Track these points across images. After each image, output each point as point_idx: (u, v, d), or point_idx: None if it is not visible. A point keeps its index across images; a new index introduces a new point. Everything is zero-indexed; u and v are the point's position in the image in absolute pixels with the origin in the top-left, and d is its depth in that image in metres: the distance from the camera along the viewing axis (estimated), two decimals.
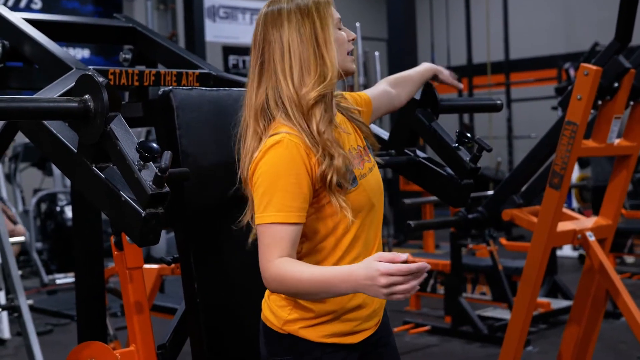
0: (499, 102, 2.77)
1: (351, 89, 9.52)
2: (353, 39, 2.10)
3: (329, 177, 1.93)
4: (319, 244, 2.01)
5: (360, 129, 2.17)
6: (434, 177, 2.50)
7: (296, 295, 1.93)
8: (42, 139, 2.08)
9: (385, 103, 2.41)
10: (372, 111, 2.34)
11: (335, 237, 2.00)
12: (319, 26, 2.00)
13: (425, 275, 1.79)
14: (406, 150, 2.56)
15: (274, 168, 1.90)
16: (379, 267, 1.76)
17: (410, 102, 2.48)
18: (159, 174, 1.77)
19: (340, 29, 2.08)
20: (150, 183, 1.78)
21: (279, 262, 1.88)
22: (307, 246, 2.02)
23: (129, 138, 1.85)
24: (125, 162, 1.81)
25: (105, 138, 1.85)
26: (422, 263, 1.78)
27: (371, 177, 2.07)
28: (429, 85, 2.54)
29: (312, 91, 1.95)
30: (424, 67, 2.53)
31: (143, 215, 1.79)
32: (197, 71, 2.80)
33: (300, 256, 2.00)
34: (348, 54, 2.08)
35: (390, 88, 2.44)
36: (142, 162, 1.80)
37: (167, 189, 1.80)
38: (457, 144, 2.42)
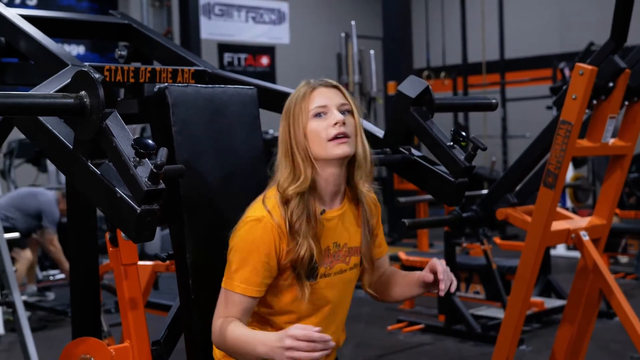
0: (494, 101, 2.77)
1: (346, 87, 9.52)
2: (336, 123, 2.09)
3: (297, 268, 2.12)
4: (270, 316, 2.20)
5: (362, 234, 2.25)
6: (428, 175, 2.49)
7: (227, 350, 2.12)
8: (38, 135, 2.08)
9: (375, 279, 2.38)
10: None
11: (285, 320, 2.17)
12: (291, 125, 2.13)
13: (329, 349, 1.90)
14: (401, 149, 2.56)
15: (249, 243, 2.08)
16: (289, 329, 1.94)
17: (405, 100, 2.48)
18: (154, 170, 1.77)
19: (322, 114, 2.11)
20: (146, 179, 1.78)
21: (225, 320, 2.11)
22: (257, 316, 2.21)
23: (124, 134, 1.85)
24: (120, 159, 1.81)
25: (101, 134, 1.85)
26: (326, 336, 1.90)
27: (336, 279, 2.21)
28: (424, 84, 2.53)
29: (288, 188, 2.10)
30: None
31: (138, 211, 1.78)
32: (193, 68, 2.80)
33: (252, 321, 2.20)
34: (335, 138, 2.09)
35: (390, 281, 2.40)
36: (137, 159, 1.80)
37: (162, 185, 1.80)
38: (452, 143, 2.42)
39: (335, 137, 2.08)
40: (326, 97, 2.12)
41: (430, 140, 2.44)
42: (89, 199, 1.97)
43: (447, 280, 2.17)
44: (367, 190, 2.23)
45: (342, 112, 2.12)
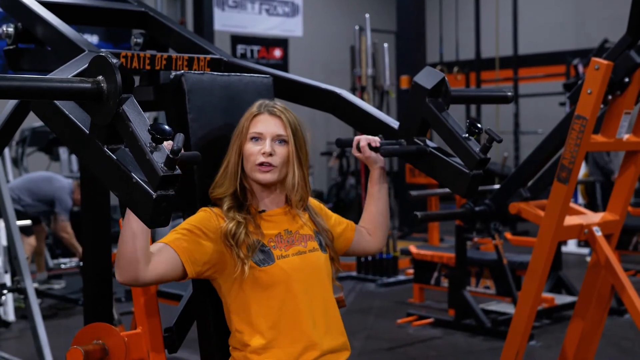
0: (509, 93, 2.75)
1: (359, 80, 9.50)
2: (264, 153, 2.30)
3: (234, 247, 2.25)
4: (251, 318, 2.28)
5: (320, 230, 2.44)
6: (443, 166, 2.48)
7: (118, 258, 2.12)
8: (54, 120, 2.07)
9: (362, 244, 2.62)
10: (351, 242, 2.58)
11: (262, 312, 2.27)
12: (234, 138, 2.35)
13: None
14: (416, 140, 2.55)
15: (190, 219, 2.28)
16: None
17: (421, 91, 2.48)
18: (170, 156, 1.77)
19: (257, 139, 2.32)
20: (162, 165, 1.77)
21: None
22: (239, 321, 2.29)
23: (141, 120, 1.84)
24: (137, 144, 1.81)
25: (118, 119, 1.84)
26: None
27: (296, 259, 2.32)
28: (440, 76, 2.52)
29: (217, 190, 2.34)
30: (372, 173, 2.61)
31: (154, 196, 1.78)
32: (209, 56, 2.80)
33: (237, 330, 2.30)
34: (261, 164, 2.30)
35: (366, 232, 2.64)
36: (154, 144, 1.80)
37: (178, 171, 1.80)
38: (467, 134, 2.41)
39: (261, 164, 2.31)
40: (265, 126, 2.33)
41: (446, 131, 2.43)
42: (104, 184, 1.97)
43: (363, 139, 2.51)
44: (302, 212, 2.42)
45: (278, 142, 2.33)
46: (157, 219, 1.81)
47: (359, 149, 2.52)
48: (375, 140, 2.52)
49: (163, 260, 2.15)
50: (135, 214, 1.88)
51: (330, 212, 2.57)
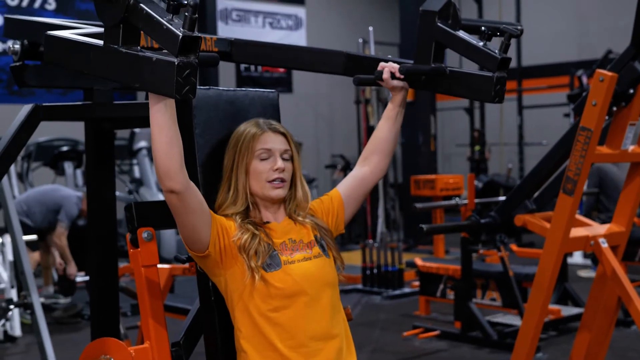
0: (519, 26, 2.69)
1: (363, 92, 9.52)
2: (277, 169, 2.35)
3: (247, 258, 2.28)
4: (255, 319, 2.29)
5: (320, 233, 2.45)
6: (465, 79, 2.46)
7: (155, 146, 2.09)
8: (72, 56, 2.12)
9: (358, 188, 2.58)
10: (344, 204, 2.55)
11: (268, 318, 2.28)
12: (236, 159, 2.37)
13: None
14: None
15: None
16: None
17: (430, 16, 2.49)
18: (188, 15, 1.74)
19: (266, 157, 2.36)
20: (181, 28, 1.75)
21: None
22: (243, 321, 2.31)
23: (152, 3, 1.84)
24: (153, 20, 1.79)
25: (130, 12, 1.84)
26: None
27: (303, 265, 2.35)
28: (448, 1, 2.53)
29: (226, 209, 2.36)
30: (394, 98, 2.61)
31: (176, 62, 1.75)
32: (215, 36, 2.82)
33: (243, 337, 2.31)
34: (272, 181, 2.35)
35: (360, 167, 2.60)
36: (171, 16, 1.78)
37: (198, 34, 1.77)
38: (483, 42, 2.41)
39: (274, 181, 2.35)
40: (272, 143, 2.37)
41: (462, 44, 2.44)
42: (127, 82, 1.95)
43: (387, 66, 2.55)
44: (303, 221, 2.44)
45: (285, 159, 2.38)
46: (182, 89, 1.78)
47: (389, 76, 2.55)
48: (397, 67, 2.55)
49: (200, 196, 2.21)
50: (160, 92, 1.85)
51: (316, 204, 2.54)
